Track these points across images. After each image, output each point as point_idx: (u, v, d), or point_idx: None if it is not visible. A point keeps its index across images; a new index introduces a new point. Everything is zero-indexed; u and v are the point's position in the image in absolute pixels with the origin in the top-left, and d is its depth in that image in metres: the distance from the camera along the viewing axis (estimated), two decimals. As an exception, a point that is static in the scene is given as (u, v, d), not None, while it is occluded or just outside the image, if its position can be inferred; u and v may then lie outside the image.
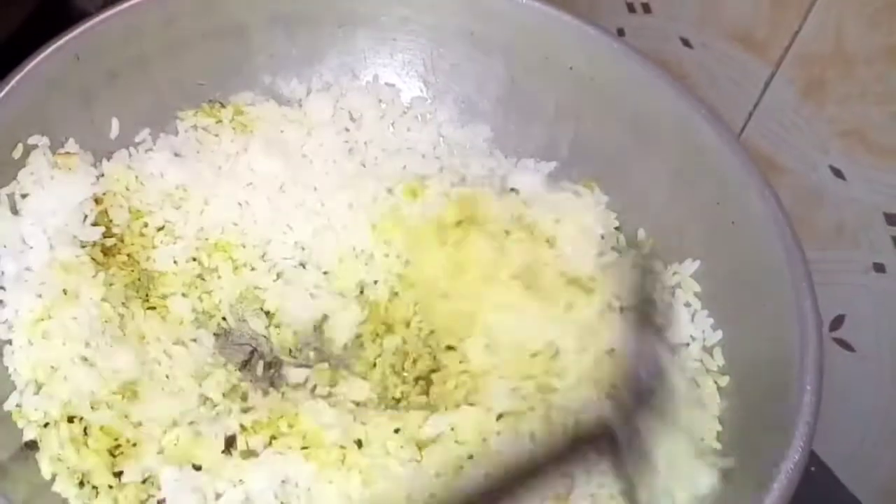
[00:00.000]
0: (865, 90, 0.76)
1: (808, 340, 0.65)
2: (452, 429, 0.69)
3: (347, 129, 0.86)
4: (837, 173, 0.81)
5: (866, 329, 0.83)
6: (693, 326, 0.75)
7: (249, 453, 0.68)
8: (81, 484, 0.67)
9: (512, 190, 0.84)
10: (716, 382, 0.71)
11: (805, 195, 0.83)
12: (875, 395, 0.84)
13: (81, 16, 0.77)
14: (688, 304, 0.76)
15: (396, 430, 0.69)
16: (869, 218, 0.79)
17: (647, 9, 0.94)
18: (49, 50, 0.74)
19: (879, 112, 0.75)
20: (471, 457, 0.68)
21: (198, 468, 0.67)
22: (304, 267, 0.81)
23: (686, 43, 0.90)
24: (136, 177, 0.79)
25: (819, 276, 0.81)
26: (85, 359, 0.68)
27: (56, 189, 0.73)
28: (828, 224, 0.83)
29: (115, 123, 0.80)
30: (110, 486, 0.66)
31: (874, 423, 0.84)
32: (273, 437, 0.68)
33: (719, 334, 0.74)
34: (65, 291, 0.70)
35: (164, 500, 0.66)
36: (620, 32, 0.97)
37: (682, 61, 0.91)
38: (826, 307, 0.84)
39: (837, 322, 0.85)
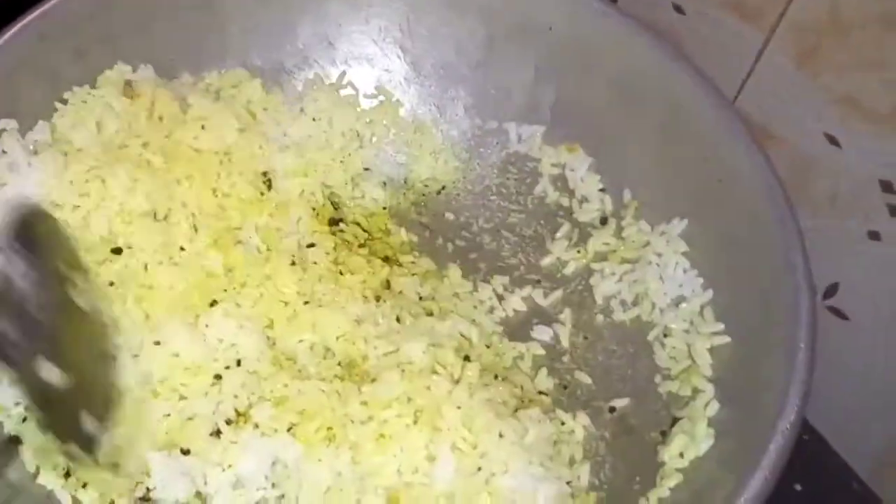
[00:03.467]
0: (860, 57, 0.73)
1: (801, 297, 0.64)
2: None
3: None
4: (832, 141, 0.79)
5: (860, 298, 0.82)
6: (682, 286, 0.74)
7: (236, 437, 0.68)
8: (67, 475, 0.66)
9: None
10: (708, 342, 0.71)
11: (799, 163, 0.81)
12: (868, 363, 0.83)
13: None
14: (676, 264, 0.75)
15: None
16: (864, 186, 0.78)
17: (638, -27, 0.91)
18: (13, 30, 0.71)
19: (875, 79, 0.73)
20: None
21: (186, 453, 0.66)
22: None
23: (678, 9, 0.87)
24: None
25: (813, 245, 0.80)
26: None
27: (34, 175, 0.71)
28: (822, 192, 0.81)
29: None
30: (98, 474, 0.66)
31: (867, 392, 0.84)
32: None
33: (709, 294, 0.73)
34: None
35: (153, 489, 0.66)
36: (612, -2, 0.94)
37: (675, 28, 0.88)
38: (820, 275, 0.83)
39: (831, 290, 0.84)
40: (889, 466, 0.84)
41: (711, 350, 0.70)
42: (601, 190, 0.82)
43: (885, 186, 0.76)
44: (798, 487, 0.83)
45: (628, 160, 0.81)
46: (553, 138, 0.85)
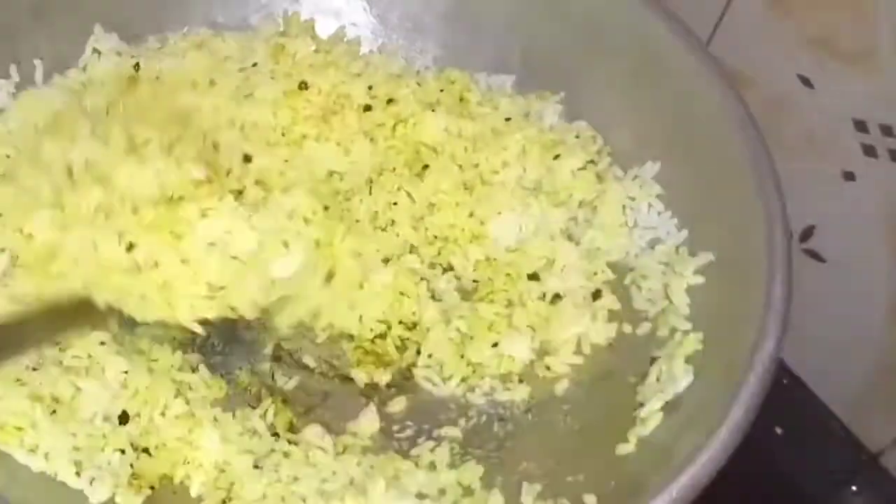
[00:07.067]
0: (833, -6, 0.73)
1: (776, 231, 0.64)
2: None
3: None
4: (805, 82, 0.78)
5: (837, 239, 0.83)
6: (657, 229, 0.74)
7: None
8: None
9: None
10: (684, 282, 0.70)
11: (773, 106, 0.81)
12: (846, 304, 0.83)
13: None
14: (650, 207, 0.75)
15: None
16: (838, 126, 0.77)
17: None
18: (-36, -14, 0.69)
19: (848, 16, 0.73)
20: None
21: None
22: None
23: (647, -50, 0.86)
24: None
25: (788, 187, 0.80)
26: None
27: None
28: (797, 134, 0.81)
29: (38, 64, 0.75)
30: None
31: (845, 334, 0.84)
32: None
33: (684, 234, 0.72)
34: None
35: None
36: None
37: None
38: (796, 218, 0.83)
39: (807, 233, 0.84)
40: (868, 407, 0.85)
41: (688, 289, 0.69)
42: (576, 137, 0.80)
43: (859, 126, 0.76)
44: (779, 431, 0.84)
45: (600, 106, 0.79)
46: (524, 87, 0.83)
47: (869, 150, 0.76)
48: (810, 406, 0.85)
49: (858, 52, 0.73)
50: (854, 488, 0.82)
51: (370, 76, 0.81)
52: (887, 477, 0.82)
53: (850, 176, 0.79)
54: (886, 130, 0.75)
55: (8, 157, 0.70)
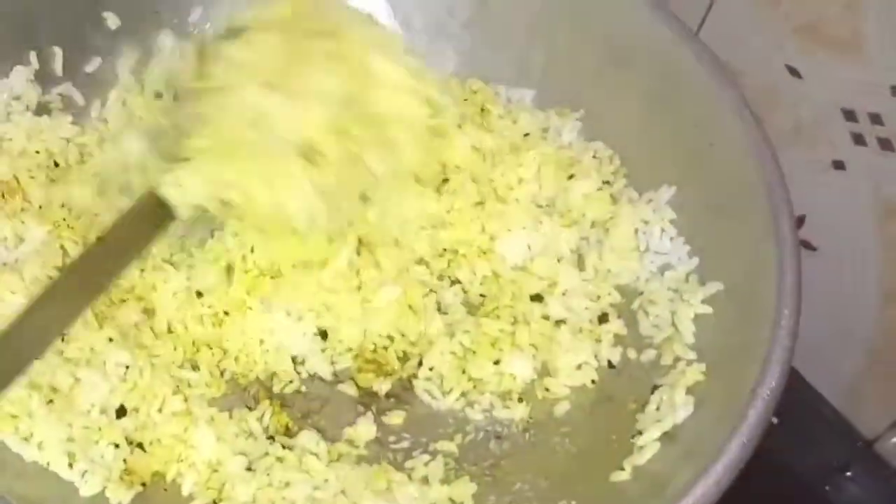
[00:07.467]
0: (820, -18, 0.73)
1: (786, 264, 0.63)
2: None
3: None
4: (793, 72, 0.79)
5: (827, 227, 0.83)
6: (668, 254, 0.73)
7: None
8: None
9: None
10: (691, 311, 0.69)
11: (762, 97, 0.80)
12: (837, 293, 0.84)
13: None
14: (663, 232, 0.74)
15: None
16: (826, 115, 0.78)
17: None
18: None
19: (835, 5, 0.73)
20: None
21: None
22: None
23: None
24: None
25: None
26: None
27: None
28: (786, 124, 0.81)
29: (58, 53, 0.75)
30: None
31: (838, 322, 0.84)
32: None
33: (695, 261, 0.72)
34: None
35: None
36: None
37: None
38: (786, 208, 0.84)
39: (799, 222, 0.84)
40: (862, 395, 0.85)
41: (695, 318, 0.69)
42: (593, 157, 0.80)
43: (848, 115, 0.77)
44: (775, 420, 0.84)
45: (618, 125, 0.79)
46: (543, 102, 0.82)
47: (858, 139, 0.77)
48: (805, 395, 0.86)
49: (846, 41, 0.74)
50: (849, 474, 0.82)
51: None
52: (882, 463, 0.82)
53: (839, 165, 0.79)
54: (875, 119, 0.75)
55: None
